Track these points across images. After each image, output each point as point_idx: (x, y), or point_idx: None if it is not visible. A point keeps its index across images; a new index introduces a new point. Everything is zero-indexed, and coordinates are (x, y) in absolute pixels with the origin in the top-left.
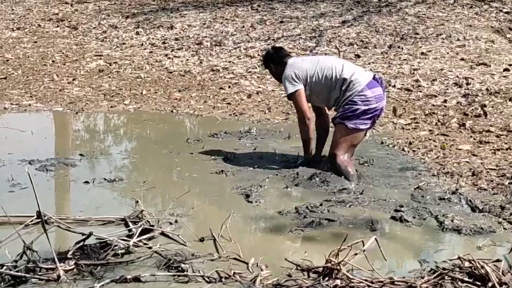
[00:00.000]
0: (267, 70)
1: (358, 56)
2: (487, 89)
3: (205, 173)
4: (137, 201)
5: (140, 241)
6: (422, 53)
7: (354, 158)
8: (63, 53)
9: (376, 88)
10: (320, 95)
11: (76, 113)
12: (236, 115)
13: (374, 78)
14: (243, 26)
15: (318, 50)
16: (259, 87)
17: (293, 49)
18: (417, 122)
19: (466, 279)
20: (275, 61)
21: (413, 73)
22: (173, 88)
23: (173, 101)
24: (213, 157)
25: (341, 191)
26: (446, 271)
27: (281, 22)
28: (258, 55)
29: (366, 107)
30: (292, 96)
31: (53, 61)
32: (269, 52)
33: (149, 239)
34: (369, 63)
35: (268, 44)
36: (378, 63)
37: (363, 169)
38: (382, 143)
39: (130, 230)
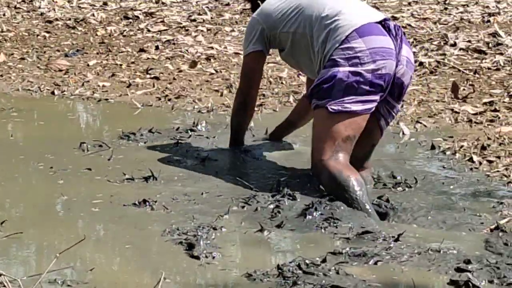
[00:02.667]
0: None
1: None
2: None
3: (113, 204)
4: None
5: None
6: None
7: (374, 171)
8: None
9: (377, 36)
10: (301, 58)
11: None
12: (169, 99)
13: (379, 23)
14: None
15: None
16: (211, 47)
17: None
18: (495, 110)
19: None
20: None
21: (488, 20)
22: (55, 50)
23: (55, 74)
24: (126, 177)
25: (360, 237)
26: None
27: None
28: None
29: (355, 69)
30: (243, 58)
31: None
32: None
33: None
34: (409, 3)
35: None
36: (425, 2)
37: (398, 195)
38: (433, 147)
39: None
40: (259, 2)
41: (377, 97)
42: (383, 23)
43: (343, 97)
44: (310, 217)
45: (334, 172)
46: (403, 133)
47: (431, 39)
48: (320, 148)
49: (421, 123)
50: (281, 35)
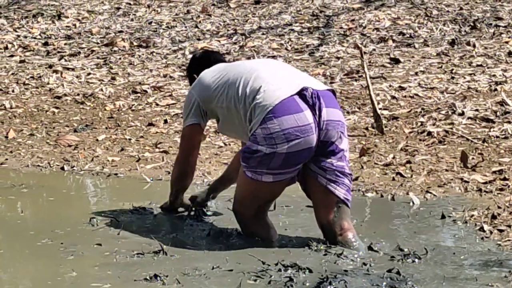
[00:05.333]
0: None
1: (396, 60)
2: None
3: (124, 279)
4: None
5: None
6: (511, 53)
7: (384, 244)
8: None
9: (291, 116)
10: (237, 129)
11: None
12: None
13: (299, 92)
14: (188, 12)
15: (324, 50)
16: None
17: (279, 50)
18: (505, 178)
19: None
20: (194, 70)
21: (495, 89)
22: (64, 126)
23: (65, 149)
24: (136, 252)
25: None
26: None
27: (257, 2)
28: None
29: (270, 149)
30: (182, 130)
31: None
32: (194, 56)
33: None
34: (416, 73)
35: (234, 43)
36: (432, 72)
37: (409, 267)
38: (443, 217)
39: None
40: (194, 76)
41: (290, 170)
42: (302, 93)
43: (256, 168)
44: None
45: (244, 222)
46: (413, 203)
47: (438, 108)
48: (238, 201)
49: (431, 192)
50: (216, 108)
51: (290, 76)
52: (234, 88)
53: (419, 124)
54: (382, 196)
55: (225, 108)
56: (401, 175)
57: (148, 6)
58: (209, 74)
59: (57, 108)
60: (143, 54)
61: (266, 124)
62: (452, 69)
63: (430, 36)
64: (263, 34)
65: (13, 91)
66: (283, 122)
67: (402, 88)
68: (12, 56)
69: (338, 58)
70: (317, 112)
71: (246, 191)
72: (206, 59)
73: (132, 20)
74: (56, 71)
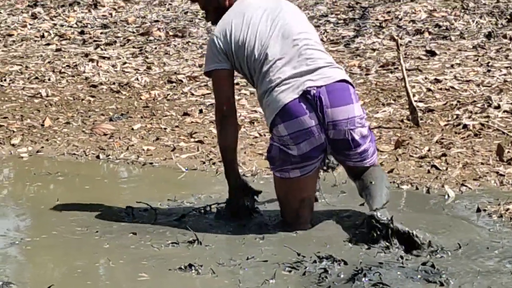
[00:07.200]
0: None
1: (431, 52)
2: None
3: (159, 269)
4: None
5: None
6: None
7: (422, 235)
8: None
9: (296, 119)
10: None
11: None
12: (213, 163)
13: (308, 96)
14: None
15: (360, 41)
16: (254, 110)
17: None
18: None
19: None
20: None
21: None
22: (100, 114)
23: (100, 138)
24: (171, 241)
25: None
26: None
27: None
28: None
29: (284, 149)
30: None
31: None
32: None
33: None
34: (452, 65)
35: None
36: (468, 65)
37: (444, 260)
38: (478, 210)
39: None
40: None
41: (312, 162)
42: (305, 95)
43: (282, 166)
44: (359, 282)
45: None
46: (448, 196)
47: (474, 101)
48: (280, 203)
49: (466, 186)
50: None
51: (299, 66)
52: (243, 56)
53: (454, 117)
54: (417, 188)
55: (243, 63)
56: (436, 168)
57: None
58: (245, 6)
59: (92, 96)
60: (178, 44)
61: (277, 127)
62: (488, 62)
63: (466, 28)
64: None
65: (49, 79)
66: (288, 126)
67: (438, 81)
68: (48, 44)
69: (373, 49)
70: (320, 114)
71: (281, 191)
72: None
73: (168, 9)
74: (92, 60)
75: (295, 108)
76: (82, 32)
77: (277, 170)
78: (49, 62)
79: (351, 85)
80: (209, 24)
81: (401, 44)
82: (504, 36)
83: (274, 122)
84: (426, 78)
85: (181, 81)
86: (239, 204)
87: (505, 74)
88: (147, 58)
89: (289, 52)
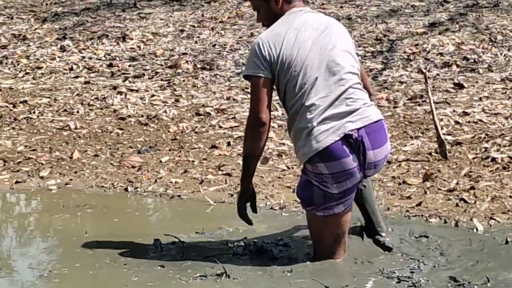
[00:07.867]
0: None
1: (459, 85)
2: None
3: None
4: None
5: None
6: None
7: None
8: None
9: (337, 161)
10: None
11: None
12: None
13: (350, 140)
14: (252, 35)
15: (388, 74)
16: (282, 143)
17: None
18: None
19: None
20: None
21: None
22: (128, 147)
23: (128, 170)
24: (199, 274)
25: None
26: None
27: None
28: None
29: (323, 187)
30: (249, 81)
31: None
32: None
33: None
34: (480, 98)
35: None
36: (496, 97)
37: None
38: (507, 242)
39: None
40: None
41: (353, 194)
42: (348, 139)
43: (325, 204)
44: None
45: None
46: (477, 229)
47: (503, 134)
48: (323, 246)
49: (494, 219)
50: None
51: (339, 105)
52: (284, 77)
53: (483, 150)
54: (445, 222)
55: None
56: (465, 201)
57: (212, 29)
58: (300, 18)
59: (121, 129)
60: (206, 77)
61: (315, 165)
62: None
63: (494, 61)
64: None
65: (77, 112)
66: (329, 166)
67: (466, 114)
68: (77, 77)
69: (401, 82)
70: (362, 157)
71: (326, 231)
72: None
73: (196, 42)
74: (120, 93)
75: (337, 151)
76: (110, 65)
77: (319, 210)
78: (77, 95)
79: (383, 120)
80: (237, 56)
81: (429, 77)
82: None
83: (312, 160)
84: (454, 111)
85: (209, 113)
86: (243, 205)
87: None
88: (175, 90)
89: (334, 91)
